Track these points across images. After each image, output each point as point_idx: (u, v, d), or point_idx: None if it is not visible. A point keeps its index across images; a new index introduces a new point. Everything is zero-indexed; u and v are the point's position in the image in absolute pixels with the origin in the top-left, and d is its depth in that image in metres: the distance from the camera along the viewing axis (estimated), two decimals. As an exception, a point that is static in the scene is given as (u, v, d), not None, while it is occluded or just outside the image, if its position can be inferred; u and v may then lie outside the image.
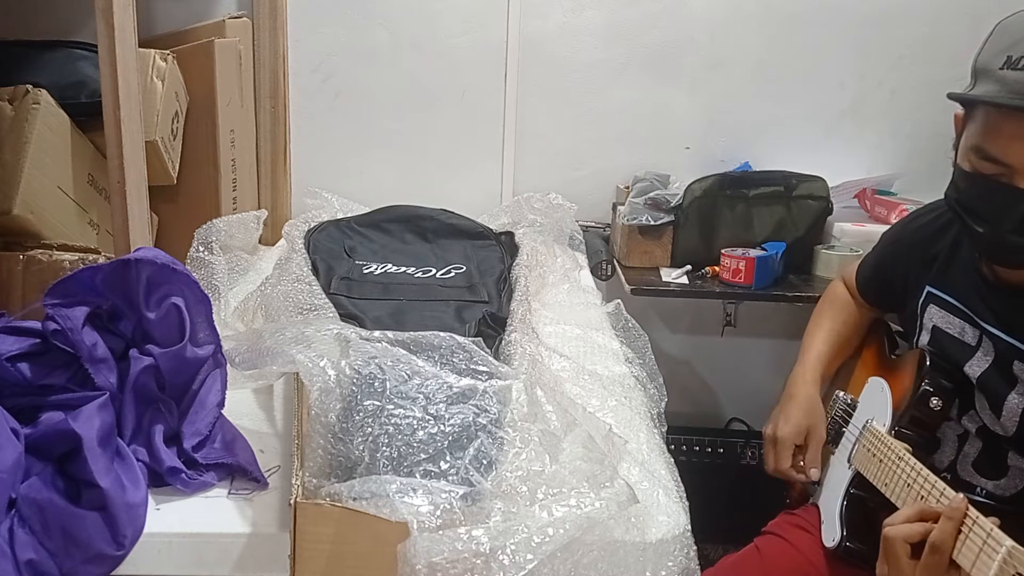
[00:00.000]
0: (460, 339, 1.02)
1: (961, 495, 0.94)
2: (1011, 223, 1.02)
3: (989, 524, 0.88)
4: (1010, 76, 1.00)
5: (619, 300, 1.51)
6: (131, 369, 0.94)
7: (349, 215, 1.81)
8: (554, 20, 1.99)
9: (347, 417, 0.88)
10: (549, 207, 1.88)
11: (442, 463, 0.88)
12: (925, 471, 1.04)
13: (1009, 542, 0.85)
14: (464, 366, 0.99)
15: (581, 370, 1.25)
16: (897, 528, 0.97)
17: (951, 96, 1.07)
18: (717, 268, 1.86)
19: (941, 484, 1.00)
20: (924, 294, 1.25)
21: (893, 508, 1.07)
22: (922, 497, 1.02)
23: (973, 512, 0.91)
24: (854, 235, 1.90)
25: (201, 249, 1.48)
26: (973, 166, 1.05)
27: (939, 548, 0.91)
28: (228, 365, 1.04)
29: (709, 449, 2.07)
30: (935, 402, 1.16)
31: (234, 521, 0.90)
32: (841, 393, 1.35)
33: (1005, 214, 1.03)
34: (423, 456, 0.88)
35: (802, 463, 1.30)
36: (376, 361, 0.93)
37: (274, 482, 0.97)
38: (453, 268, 1.55)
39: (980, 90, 1.04)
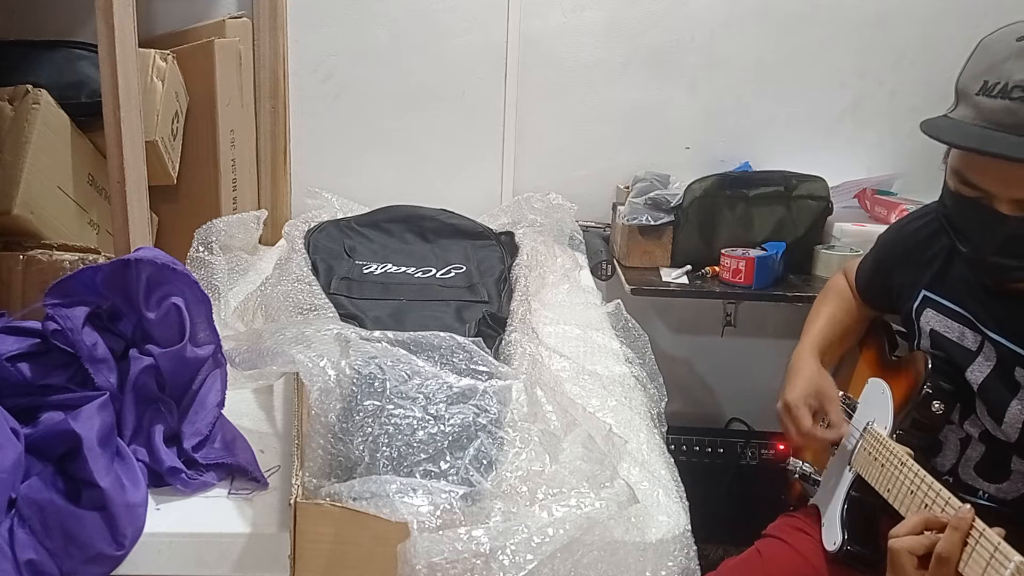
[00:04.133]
0: (460, 339, 1.02)
1: (968, 506, 0.93)
2: (993, 245, 1.03)
3: (997, 537, 0.87)
4: (984, 103, 0.98)
5: (619, 300, 1.51)
6: (131, 369, 0.94)
7: (349, 215, 1.81)
8: (554, 20, 1.99)
9: (347, 417, 0.88)
10: (549, 207, 1.88)
11: (442, 463, 0.88)
12: (929, 478, 1.03)
13: (1018, 557, 0.84)
14: (464, 366, 0.99)
15: (581, 370, 1.25)
16: (902, 540, 0.96)
17: (923, 128, 1.05)
18: (717, 268, 1.86)
19: (946, 493, 0.99)
20: (920, 298, 1.24)
21: (894, 511, 1.07)
22: (926, 506, 1.01)
23: (980, 524, 0.90)
24: (854, 235, 1.90)
25: (201, 249, 1.48)
26: (956, 187, 1.06)
27: (946, 559, 0.90)
28: (228, 365, 1.04)
29: (709, 449, 2.07)
30: (937, 405, 1.16)
31: (234, 521, 0.90)
32: (840, 393, 1.34)
33: (987, 236, 1.03)
34: (423, 456, 0.88)
35: (825, 427, 1.25)
36: (376, 361, 0.93)
37: (274, 482, 0.97)
38: (453, 268, 1.55)
39: (958, 114, 1.03)
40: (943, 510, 0.98)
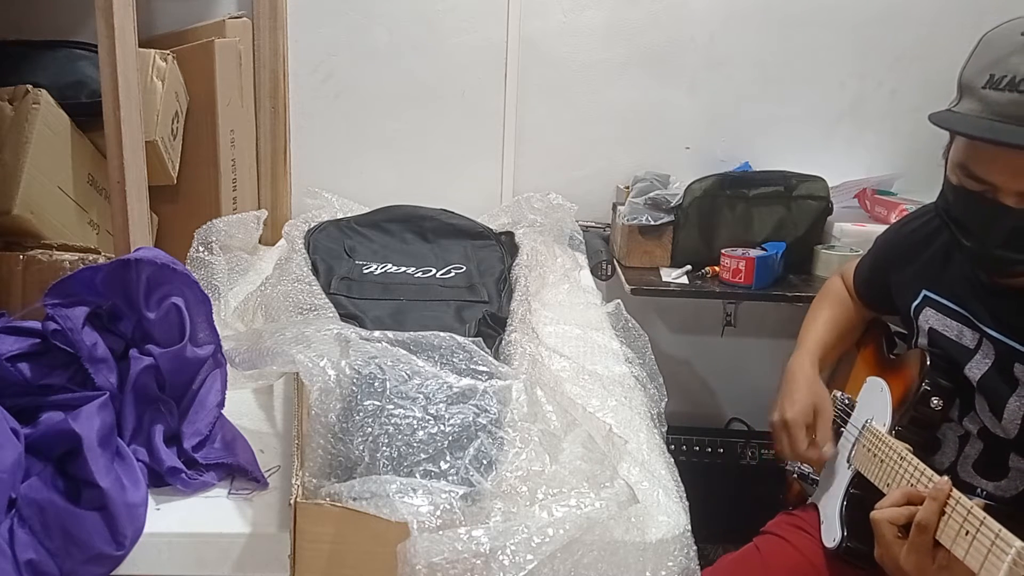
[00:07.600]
0: (460, 339, 1.02)
1: (945, 477, 0.97)
2: (997, 238, 1.03)
3: (970, 503, 0.91)
4: (992, 96, 0.99)
5: (619, 300, 1.51)
6: (131, 369, 0.94)
7: (349, 215, 1.81)
8: (554, 20, 1.99)
9: (347, 417, 0.88)
10: (549, 207, 1.88)
11: (442, 463, 0.88)
12: (929, 471, 1.04)
13: (1019, 543, 0.84)
14: (464, 366, 0.99)
15: (581, 370, 1.25)
16: (883, 511, 1.01)
17: (932, 119, 1.06)
18: (717, 268, 1.86)
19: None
20: (919, 297, 1.25)
21: (893, 507, 1.08)
22: None
23: (956, 493, 0.94)
24: (854, 235, 1.90)
25: (201, 249, 1.48)
26: (959, 181, 1.06)
27: (924, 527, 0.95)
28: (228, 365, 1.04)
29: (709, 449, 2.07)
30: (935, 402, 1.16)
31: (234, 521, 0.90)
32: (839, 393, 1.34)
33: (991, 229, 1.03)
34: (423, 456, 0.88)
35: (814, 441, 1.27)
36: (376, 361, 0.93)
37: (274, 482, 0.97)
38: (453, 268, 1.55)
39: (963, 107, 1.04)
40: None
